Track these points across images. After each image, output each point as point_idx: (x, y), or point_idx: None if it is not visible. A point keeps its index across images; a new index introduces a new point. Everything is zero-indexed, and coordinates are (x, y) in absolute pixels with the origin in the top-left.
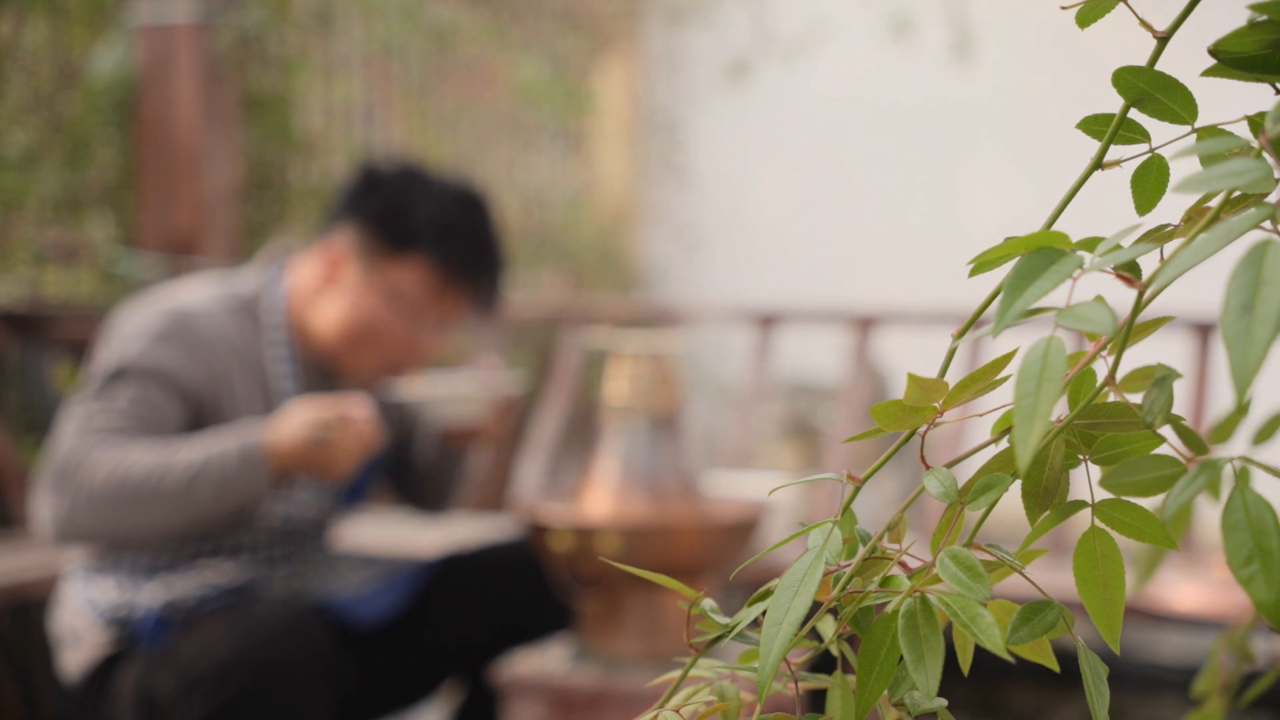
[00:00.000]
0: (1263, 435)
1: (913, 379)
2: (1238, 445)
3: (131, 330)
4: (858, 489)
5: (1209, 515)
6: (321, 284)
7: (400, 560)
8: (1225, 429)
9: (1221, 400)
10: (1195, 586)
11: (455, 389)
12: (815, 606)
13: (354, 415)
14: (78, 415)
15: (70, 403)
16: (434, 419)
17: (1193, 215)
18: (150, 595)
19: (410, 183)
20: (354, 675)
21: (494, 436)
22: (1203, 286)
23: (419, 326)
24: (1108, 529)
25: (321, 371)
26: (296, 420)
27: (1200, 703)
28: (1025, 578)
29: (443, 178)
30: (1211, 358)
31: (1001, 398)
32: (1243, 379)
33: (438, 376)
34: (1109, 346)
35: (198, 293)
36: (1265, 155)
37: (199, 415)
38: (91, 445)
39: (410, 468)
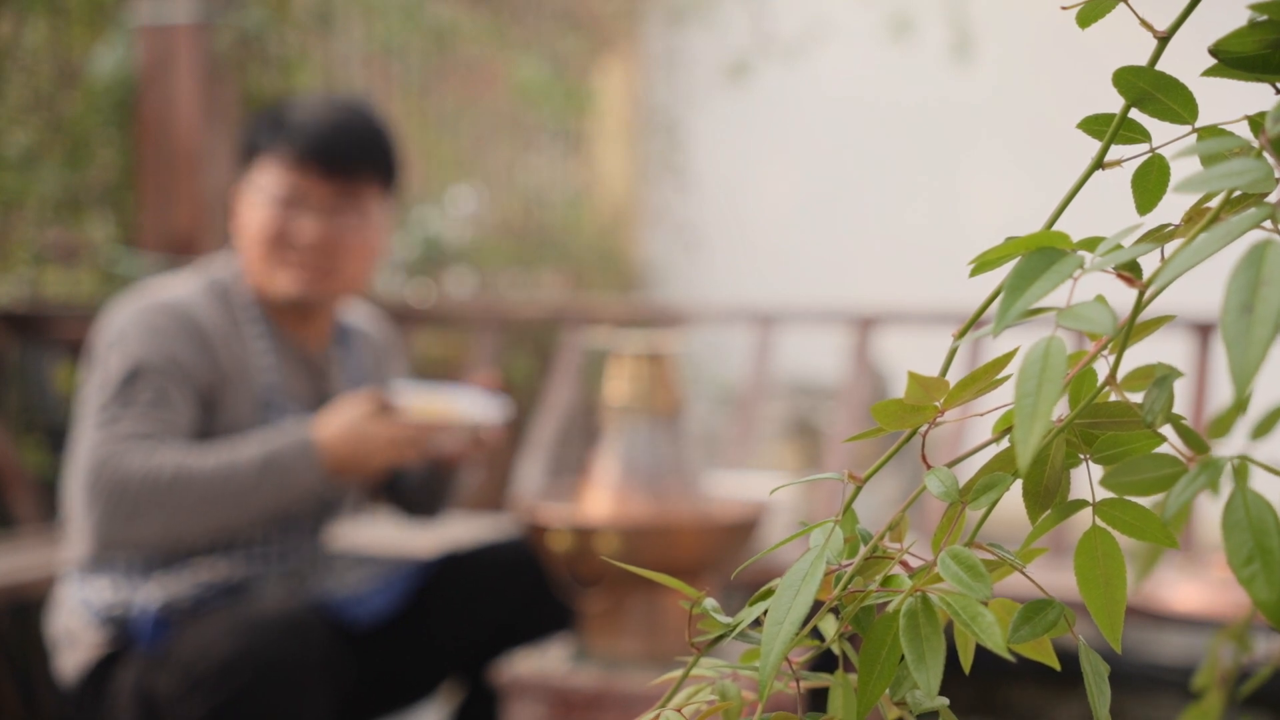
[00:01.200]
0: (1261, 430)
1: (914, 378)
2: (1236, 440)
3: (133, 330)
4: (858, 489)
5: (1209, 515)
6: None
7: (398, 559)
8: (1223, 423)
9: (1221, 399)
10: (1195, 586)
11: (439, 413)
12: (816, 606)
13: (392, 416)
14: (101, 420)
15: (87, 408)
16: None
17: (1193, 215)
18: (147, 595)
19: (264, 112)
20: (354, 674)
21: (477, 461)
22: (1203, 286)
23: (306, 211)
24: (1109, 528)
25: (299, 343)
26: (341, 416)
27: (1199, 696)
28: (1026, 577)
29: (305, 97)
30: (1211, 357)
31: (1001, 397)
32: (1242, 378)
33: (426, 393)
34: (1109, 346)
35: (181, 285)
36: (1265, 155)
37: (207, 404)
38: (141, 457)
39: (399, 480)
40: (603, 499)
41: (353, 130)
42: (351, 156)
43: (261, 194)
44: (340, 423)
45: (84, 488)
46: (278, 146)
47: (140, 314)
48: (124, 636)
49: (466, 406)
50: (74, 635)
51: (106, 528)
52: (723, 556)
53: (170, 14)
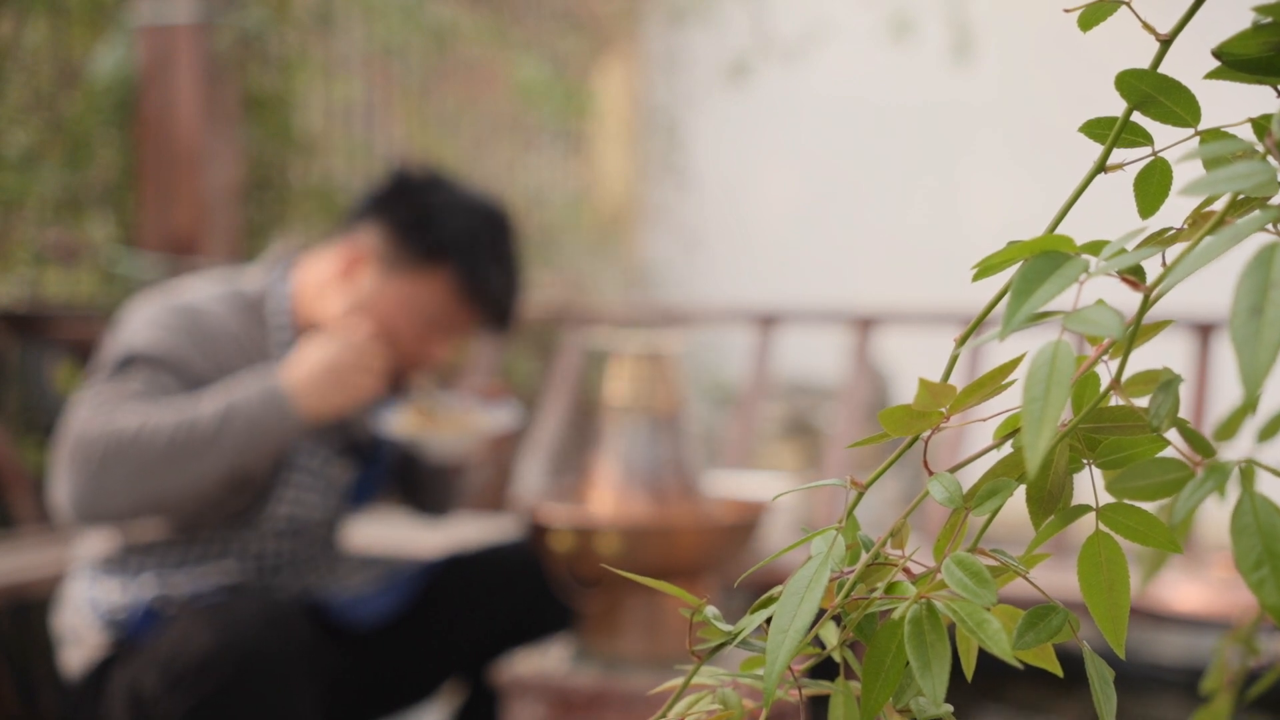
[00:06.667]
0: (1267, 432)
1: (923, 384)
2: (1242, 443)
3: (140, 322)
4: (860, 495)
5: (1209, 515)
6: (334, 279)
7: (402, 561)
8: (1230, 426)
9: (1223, 400)
10: (1195, 586)
11: (447, 424)
12: (818, 613)
13: (357, 339)
14: (88, 398)
15: (80, 390)
16: (423, 455)
17: (1196, 218)
18: (142, 589)
19: (439, 194)
20: (339, 667)
21: (485, 466)
22: (1202, 287)
23: (430, 338)
24: (1112, 533)
25: None
26: (307, 353)
27: (1208, 700)
28: (1031, 583)
29: (470, 192)
30: (1212, 358)
31: (1001, 402)
32: (1253, 382)
33: (433, 401)
34: (1111, 350)
35: (204, 290)
36: (1270, 158)
37: None
38: (105, 421)
39: (412, 479)
40: (603, 499)
41: (519, 284)
42: (509, 316)
43: (414, 307)
44: (309, 363)
45: (62, 461)
46: (449, 267)
47: (151, 312)
48: (126, 639)
49: (471, 418)
50: (79, 633)
51: (79, 496)
52: (723, 557)
53: (170, 14)
